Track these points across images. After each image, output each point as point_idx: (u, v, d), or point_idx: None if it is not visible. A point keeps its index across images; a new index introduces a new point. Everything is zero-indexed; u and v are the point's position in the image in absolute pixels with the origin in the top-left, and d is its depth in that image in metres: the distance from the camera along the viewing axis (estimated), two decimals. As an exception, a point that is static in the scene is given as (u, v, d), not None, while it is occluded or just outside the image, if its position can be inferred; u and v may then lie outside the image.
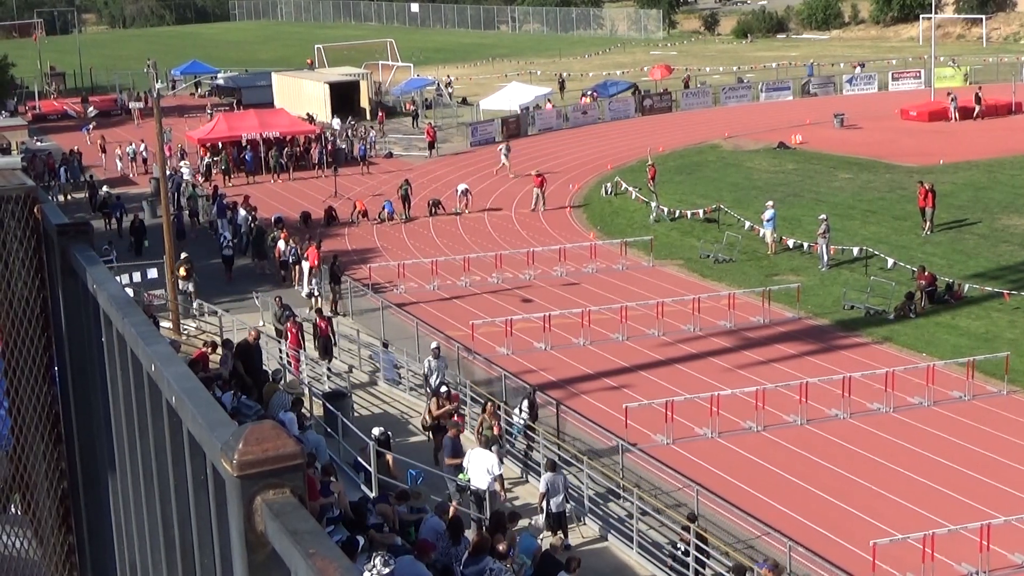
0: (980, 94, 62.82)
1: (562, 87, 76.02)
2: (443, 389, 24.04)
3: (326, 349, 28.99)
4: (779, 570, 17.96)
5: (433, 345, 26.74)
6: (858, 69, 76.37)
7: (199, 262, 37.88)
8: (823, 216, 38.01)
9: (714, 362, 29.59)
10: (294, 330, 28.48)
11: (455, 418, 23.05)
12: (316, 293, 35.17)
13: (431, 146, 59.70)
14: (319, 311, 30.75)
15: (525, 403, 24.03)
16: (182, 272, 34.28)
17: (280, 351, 28.72)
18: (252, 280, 37.77)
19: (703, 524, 20.15)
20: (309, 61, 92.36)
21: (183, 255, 35.37)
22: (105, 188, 49.04)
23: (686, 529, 19.08)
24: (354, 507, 16.18)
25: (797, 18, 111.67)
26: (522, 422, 23.71)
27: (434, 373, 25.56)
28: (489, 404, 22.60)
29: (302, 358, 28.20)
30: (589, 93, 71.64)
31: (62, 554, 3.66)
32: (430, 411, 23.52)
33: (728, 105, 70.84)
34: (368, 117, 68.65)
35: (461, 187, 47.71)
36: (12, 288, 3.55)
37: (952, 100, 61.95)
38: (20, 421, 3.60)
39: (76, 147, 59.38)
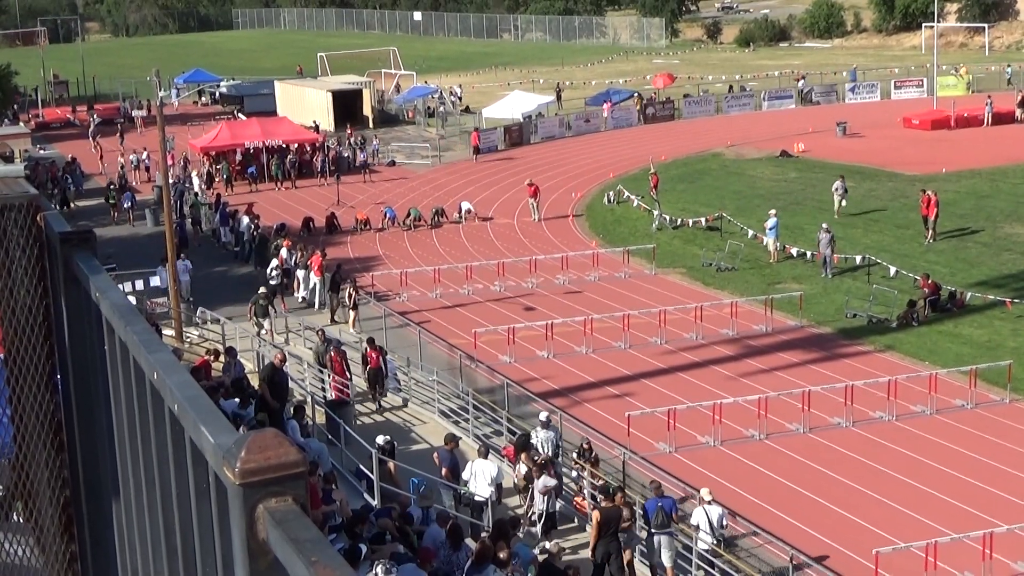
0: None
1: (559, 96, 76.03)
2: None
3: (376, 381, 26.96)
4: (659, 490, 18.94)
5: (543, 416, 23.17)
6: (801, 82, 75.60)
7: (200, 271, 37.91)
8: (826, 225, 38.00)
9: (716, 370, 29.57)
10: (338, 358, 26.85)
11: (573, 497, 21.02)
12: (324, 302, 35.14)
13: (476, 151, 59.19)
14: (371, 340, 27.88)
15: (585, 454, 22.64)
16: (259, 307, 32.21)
17: (321, 379, 27.49)
18: (254, 288, 37.64)
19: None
20: (299, 69, 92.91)
21: (261, 289, 33.04)
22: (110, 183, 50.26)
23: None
24: (350, 516, 16.14)
25: (799, 27, 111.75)
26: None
27: (544, 447, 22.25)
28: (619, 495, 19.63)
29: (352, 389, 26.68)
30: (634, 95, 72.03)
31: (64, 562, 3.66)
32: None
33: (730, 113, 70.87)
34: (371, 125, 68.66)
35: (465, 205, 47.35)
36: (15, 296, 3.55)
37: (988, 104, 62.00)
38: (23, 429, 3.60)
39: (70, 156, 59.35)
